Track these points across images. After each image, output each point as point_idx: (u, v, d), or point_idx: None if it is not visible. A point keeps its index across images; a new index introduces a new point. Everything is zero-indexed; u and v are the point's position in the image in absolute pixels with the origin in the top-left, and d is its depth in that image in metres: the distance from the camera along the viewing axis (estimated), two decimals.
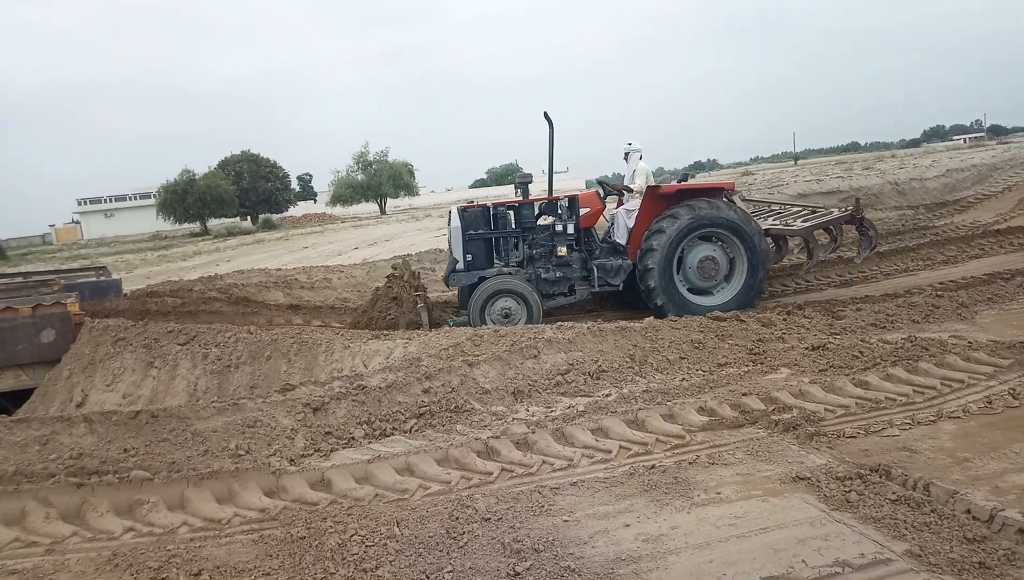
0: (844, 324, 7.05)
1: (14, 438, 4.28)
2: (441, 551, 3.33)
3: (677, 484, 3.84)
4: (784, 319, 7.14)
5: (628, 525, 3.45)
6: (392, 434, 4.91)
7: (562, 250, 8.76)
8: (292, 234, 30.89)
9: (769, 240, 10.14)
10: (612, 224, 9.44)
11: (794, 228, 9.56)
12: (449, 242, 9.05)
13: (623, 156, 9.77)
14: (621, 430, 4.53)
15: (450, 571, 3.14)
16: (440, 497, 3.89)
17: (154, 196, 54.74)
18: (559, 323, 6.89)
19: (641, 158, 9.61)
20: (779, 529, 3.29)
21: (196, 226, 50.51)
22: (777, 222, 9.98)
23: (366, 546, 3.38)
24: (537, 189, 9.30)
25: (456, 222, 8.83)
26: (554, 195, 9.17)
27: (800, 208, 10.74)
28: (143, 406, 6.20)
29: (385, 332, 7.17)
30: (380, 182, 50.29)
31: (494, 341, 6.32)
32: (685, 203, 8.51)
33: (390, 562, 3.25)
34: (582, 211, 8.94)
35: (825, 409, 4.68)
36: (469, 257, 8.78)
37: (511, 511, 3.64)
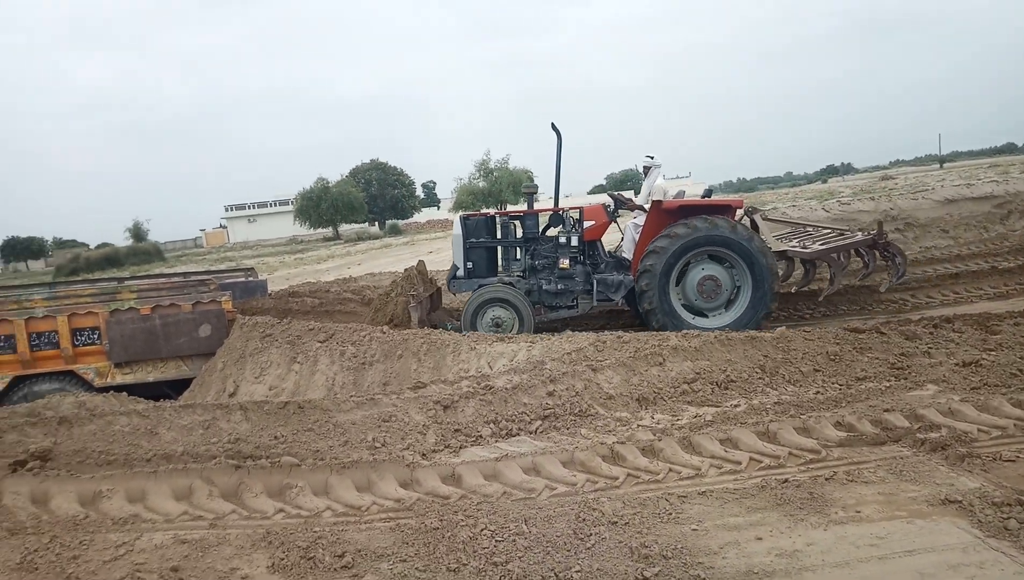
0: (1000, 339, 6.50)
1: (181, 422, 4.73)
2: (568, 551, 3.38)
3: (813, 500, 3.70)
4: (930, 333, 6.68)
5: (760, 538, 3.37)
6: (518, 434, 5.02)
7: (565, 262, 8.66)
8: (417, 239, 32.05)
9: (798, 262, 9.67)
10: (623, 238, 9.28)
11: (806, 251, 8.86)
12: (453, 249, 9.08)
13: (643, 170, 9.53)
14: (751, 442, 4.42)
15: (578, 571, 3.19)
16: (566, 498, 3.94)
17: (292, 203, 58.44)
18: (685, 331, 6.79)
19: (663, 175, 9.42)
20: (927, 553, 3.12)
21: (329, 231, 53.44)
22: (796, 244, 9.28)
23: (496, 541, 3.49)
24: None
25: (458, 230, 8.90)
26: (560, 207, 9.07)
27: (830, 230, 9.80)
28: (287, 398, 6.68)
29: (509, 335, 7.32)
30: (500, 189, 51.24)
31: (617, 347, 6.32)
32: (682, 222, 8.16)
33: (519, 558, 3.35)
34: (587, 224, 8.83)
35: (978, 429, 4.36)
36: (470, 265, 8.84)
37: (638, 516, 3.65)
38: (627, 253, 8.96)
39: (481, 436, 4.98)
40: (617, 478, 4.11)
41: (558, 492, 4.03)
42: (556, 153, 9.03)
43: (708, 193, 9.44)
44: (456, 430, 5.00)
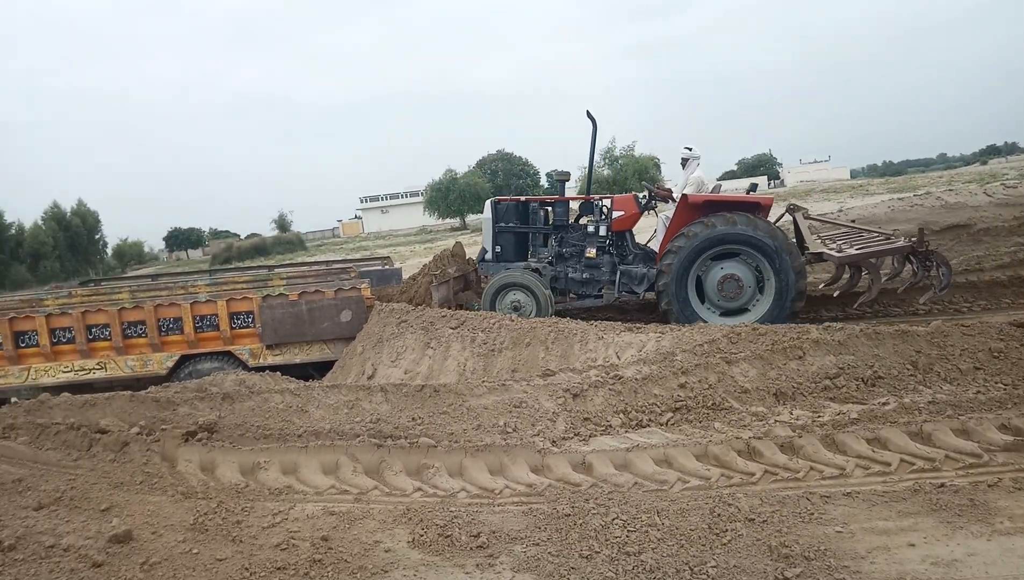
0: None
1: (328, 401, 5.05)
2: (703, 545, 3.33)
3: (974, 507, 3.43)
4: None
5: (913, 545, 3.17)
6: (648, 425, 4.97)
7: (591, 252, 8.60)
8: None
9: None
10: (656, 230, 8.88)
11: (838, 254, 8.17)
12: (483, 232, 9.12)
13: (681, 162, 9.18)
14: (902, 442, 4.14)
15: (714, 566, 3.13)
16: (700, 492, 3.87)
17: (421, 194, 60.48)
18: (827, 324, 6.45)
19: (699, 166, 9.06)
20: None
21: (456, 221, 54.86)
22: (834, 246, 8.59)
23: (628, 531, 3.48)
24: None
25: (488, 213, 8.95)
26: (591, 195, 8.98)
27: (877, 234, 8.93)
28: (421, 381, 6.95)
29: (638, 325, 7.24)
30: (626, 177, 50.50)
31: (753, 339, 6.09)
32: (700, 220, 7.89)
33: (652, 549, 3.33)
34: (615, 214, 8.68)
35: None
36: (498, 249, 8.88)
37: (777, 514, 3.52)
38: (655, 246, 8.79)
39: (611, 425, 4.97)
40: (754, 474, 3.99)
41: (691, 485, 3.96)
42: (591, 141, 8.90)
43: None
44: (585, 419, 5.02)
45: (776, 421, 4.78)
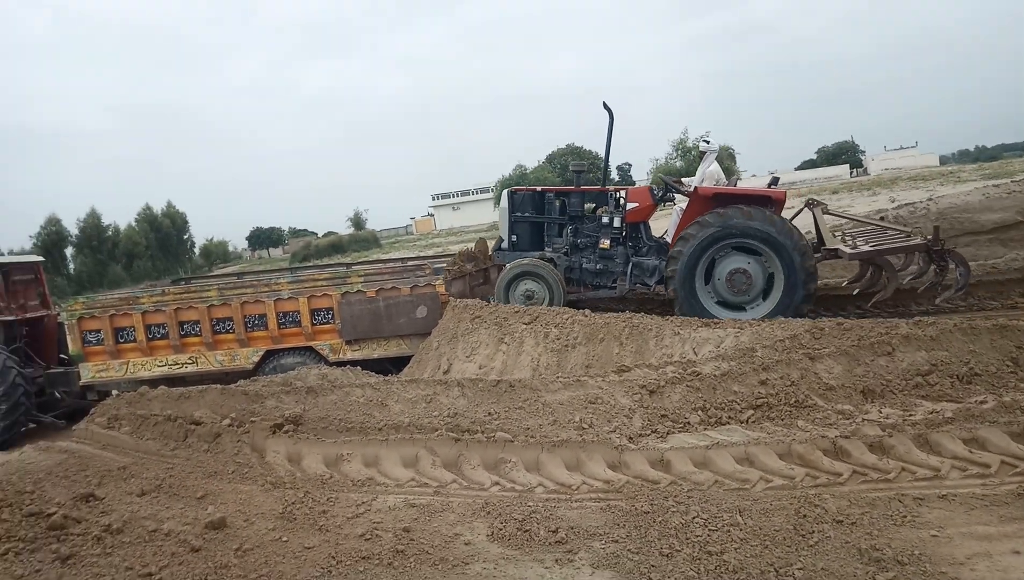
0: None
1: (407, 395, 5.15)
2: (789, 546, 3.24)
3: None
4: None
5: (1018, 552, 3.00)
6: (728, 422, 4.87)
7: (605, 243, 8.67)
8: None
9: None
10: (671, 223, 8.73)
11: (851, 251, 8.06)
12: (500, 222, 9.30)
13: (699, 154, 9.32)
14: (1003, 443, 3.92)
15: (800, 568, 3.05)
16: (784, 492, 3.77)
17: (491, 190, 60.84)
18: (917, 318, 6.16)
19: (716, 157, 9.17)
20: None
21: None
22: (850, 243, 8.47)
23: (709, 530, 3.43)
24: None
25: (504, 203, 9.09)
26: (606, 187, 9.03)
27: (897, 232, 8.56)
28: (496, 376, 7.00)
29: (715, 320, 7.09)
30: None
31: (837, 335, 5.88)
32: (714, 211, 7.79)
33: (735, 549, 3.26)
34: (630, 206, 8.71)
35: None
36: (514, 238, 9.02)
37: (867, 516, 3.40)
38: (669, 238, 8.72)
39: (688, 422, 4.89)
40: (841, 474, 3.85)
41: (774, 485, 3.86)
42: (607, 133, 9.00)
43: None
44: (662, 415, 4.95)
45: (864, 420, 4.60)
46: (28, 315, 10.47)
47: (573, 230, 8.97)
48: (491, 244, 9.38)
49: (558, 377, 5.64)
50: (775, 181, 8.99)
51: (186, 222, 69.12)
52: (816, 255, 8.04)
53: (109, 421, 4.58)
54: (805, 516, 3.45)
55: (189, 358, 9.10)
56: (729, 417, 4.91)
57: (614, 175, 62.39)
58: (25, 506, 3.52)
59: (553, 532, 3.55)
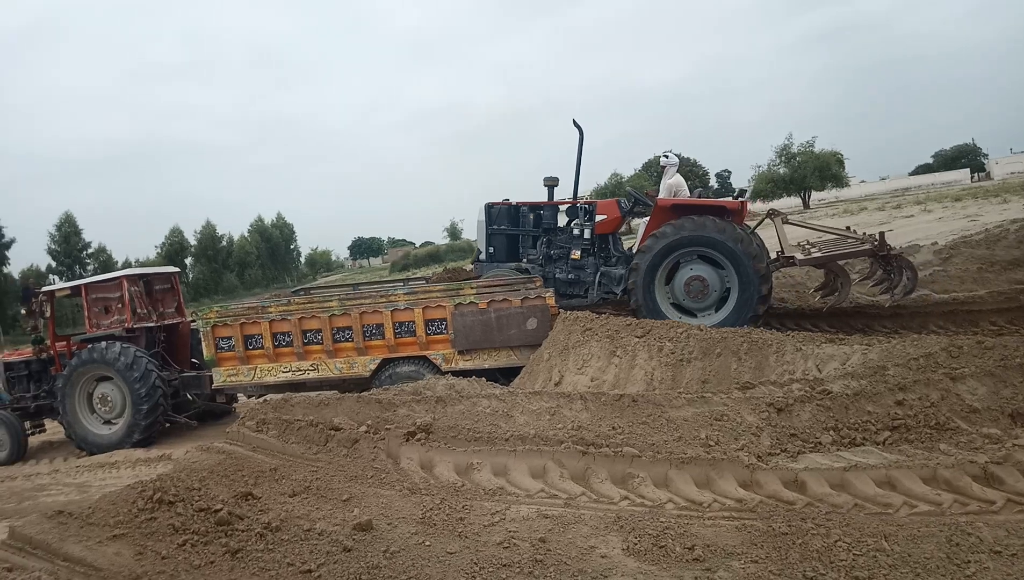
0: None
1: (531, 407, 5.27)
2: (943, 575, 3.14)
3: None
4: None
5: None
6: (862, 444, 4.72)
7: (576, 253, 9.14)
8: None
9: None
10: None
11: (805, 258, 8.58)
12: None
13: (661, 167, 9.80)
14: None
15: None
16: (931, 518, 3.63)
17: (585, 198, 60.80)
18: None
19: (678, 170, 9.63)
20: None
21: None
22: (804, 250, 8.91)
23: (854, 554, 3.35)
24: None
25: (482, 217, 9.60)
26: (576, 200, 9.55)
27: (855, 240, 9.03)
28: (608, 389, 7.03)
29: (840, 336, 6.88)
30: (804, 174, 47.71)
31: (978, 354, 5.59)
32: (670, 222, 8.28)
33: (883, 575, 3.18)
34: (598, 218, 9.17)
35: None
36: (491, 249, 9.55)
37: None
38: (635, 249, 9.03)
39: (820, 443, 4.77)
40: (994, 502, 3.68)
41: (920, 511, 3.73)
42: (577, 149, 9.42)
43: (740, 194, 9.40)
44: (792, 434, 4.86)
45: (1015, 445, 4.35)
46: (166, 322, 11.31)
47: (547, 242, 9.53)
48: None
49: (680, 393, 5.62)
50: (741, 193, 9.67)
51: (293, 233, 72.76)
52: (775, 262, 8.68)
53: (258, 425, 4.92)
54: (958, 545, 3.32)
55: (311, 365, 9.57)
56: (864, 438, 4.76)
57: (714, 182, 61.00)
58: (195, 502, 3.84)
59: (689, 549, 3.56)
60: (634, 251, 9.05)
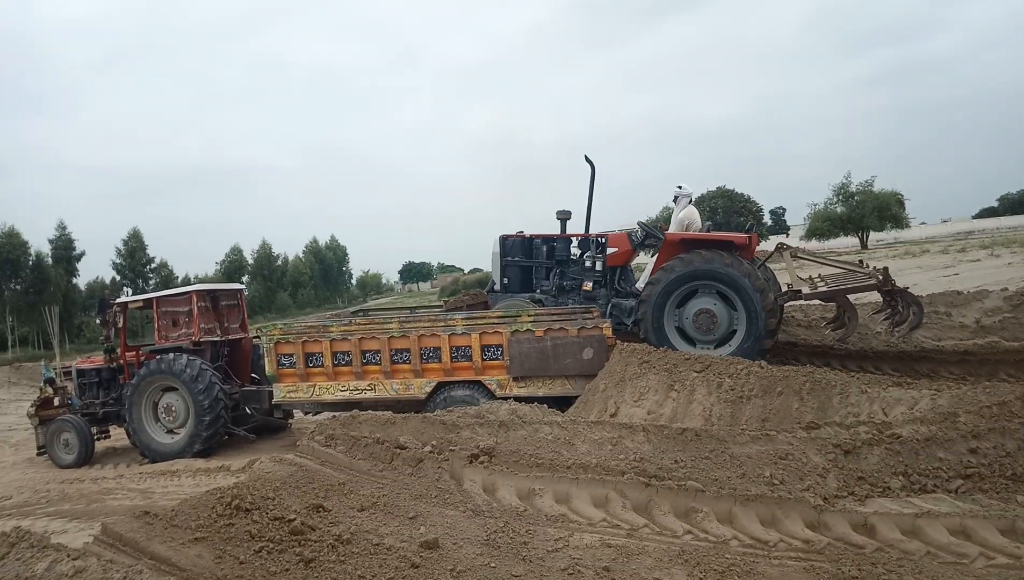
0: None
1: (593, 436, 5.30)
2: None
3: None
4: None
5: None
6: (933, 491, 4.61)
7: (587, 285, 9.41)
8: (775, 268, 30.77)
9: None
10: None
11: (812, 292, 8.72)
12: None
13: (673, 199, 9.88)
14: None
15: None
16: (1011, 572, 3.54)
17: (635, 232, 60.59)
18: None
19: (691, 202, 9.76)
20: None
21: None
22: (811, 284, 9.09)
23: None
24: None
25: (496, 248, 9.92)
26: (587, 233, 9.76)
27: (863, 275, 9.07)
28: (665, 423, 7.00)
29: (907, 380, 6.73)
30: (863, 214, 46.73)
31: None
32: (679, 257, 8.45)
33: None
34: (610, 250, 9.47)
35: None
36: (505, 281, 9.83)
37: None
38: (642, 283, 9.31)
39: (889, 487, 4.68)
40: None
41: (997, 563, 3.64)
42: (590, 184, 9.70)
43: (749, 229, 9.37)
44: (859, 477, 4.77)
45: None
46: (230, 337, 11.69)
47: (559, 273, 9.76)
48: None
49: (743, 429, 5.57)
50: (749, 229, 9.70)
51: (346, 254, 74.18)
52: (783, 295, 8.83)
53: (326, 440, 5.06)
54: None
55: (368, 385, 9.75)
56: (935, 485, 4.65)
57: (767, 219, 60.20)
58: (270, 510, 3.98)
59: None
60: (642, 285, 9.35)
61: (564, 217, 10.28)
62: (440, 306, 13.86)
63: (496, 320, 9.39)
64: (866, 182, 48.78)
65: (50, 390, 11.79)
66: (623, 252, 9.66)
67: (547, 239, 10.21)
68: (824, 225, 48.94)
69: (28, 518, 7.86)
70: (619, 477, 4.68)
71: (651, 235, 9.79)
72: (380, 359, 9.61)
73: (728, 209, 56.61)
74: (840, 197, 49.20)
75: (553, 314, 9.56)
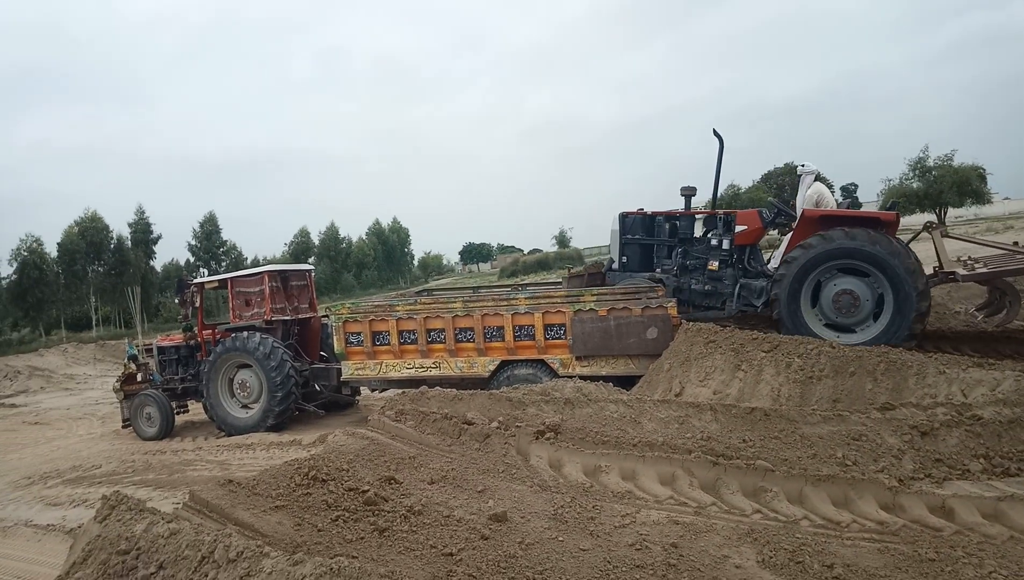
0: None
1: (659, 415, 5.29)
2: None
3: None
4: None
5: None
6: (1016, 474, 4.45)
7: (713, 264, 8.98)
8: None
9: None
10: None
11: (962, 273, 8.09)
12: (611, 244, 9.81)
13: (798, 178, 9.28)
14: None
15: None
16: None
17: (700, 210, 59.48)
18: None
19: (817, 179, 9.22)
20: None
21: None
22: (967, 266, 8.43)
23: None
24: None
25: (615, 226, 9.60)
26: (715, 210, 9.35)
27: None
28: (732, 403, 6.91)
29: (989, 361, 6.46)
30: (941, 189, 44.57)
31: None
32: (819, 233, 7.98)
33: None
34: (738, 228, 8.95)
35: None
36: (624, 259, 9.55)
37: None
38: (775, 262, 8.79)
39: (968, 470, 4.53)
40: None
41: None
42: (717, 158, 9.28)
43: (894, 206, 8.55)
44: (937, 459, 4.64)
45: None
46: (300, 316, 12.06)
47: (682, 252, 9.35)
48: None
49: (814, 409, 5.47)
50: (894, 206, 9.17)
51: (408, 236, 75.19)
52: (933, 278, 8.18)
53: (397, 415, 5.21)
54: None
55: (433, 363, 9.94)
56: (1018, 468, 4.48)
57: (838, 195, 58.05)
58: (345, 481, 4.13)
59: (828, 567, 3.48)
60: (776, 264, 8.74)
61: (689, 193, 9.92)
62: (559, 283, 13.92)
63: (559, 300, 9.41)
64: (945, 156, 46.41)
65: (133, 366, 12.42)
66: (753, 230, 9.12)
67: (670, 216, 9.80)
68: (900, 201, 46.90)
69: (116, 486, 8.34)
70: (686, 455, 4.67)
71: (783, 212, 9.34)
72: (445, 338, 9.77)
73: (795, 185, 55.00)
74: (916, 172, 47.01)
75: (617, 293, 9.51)
